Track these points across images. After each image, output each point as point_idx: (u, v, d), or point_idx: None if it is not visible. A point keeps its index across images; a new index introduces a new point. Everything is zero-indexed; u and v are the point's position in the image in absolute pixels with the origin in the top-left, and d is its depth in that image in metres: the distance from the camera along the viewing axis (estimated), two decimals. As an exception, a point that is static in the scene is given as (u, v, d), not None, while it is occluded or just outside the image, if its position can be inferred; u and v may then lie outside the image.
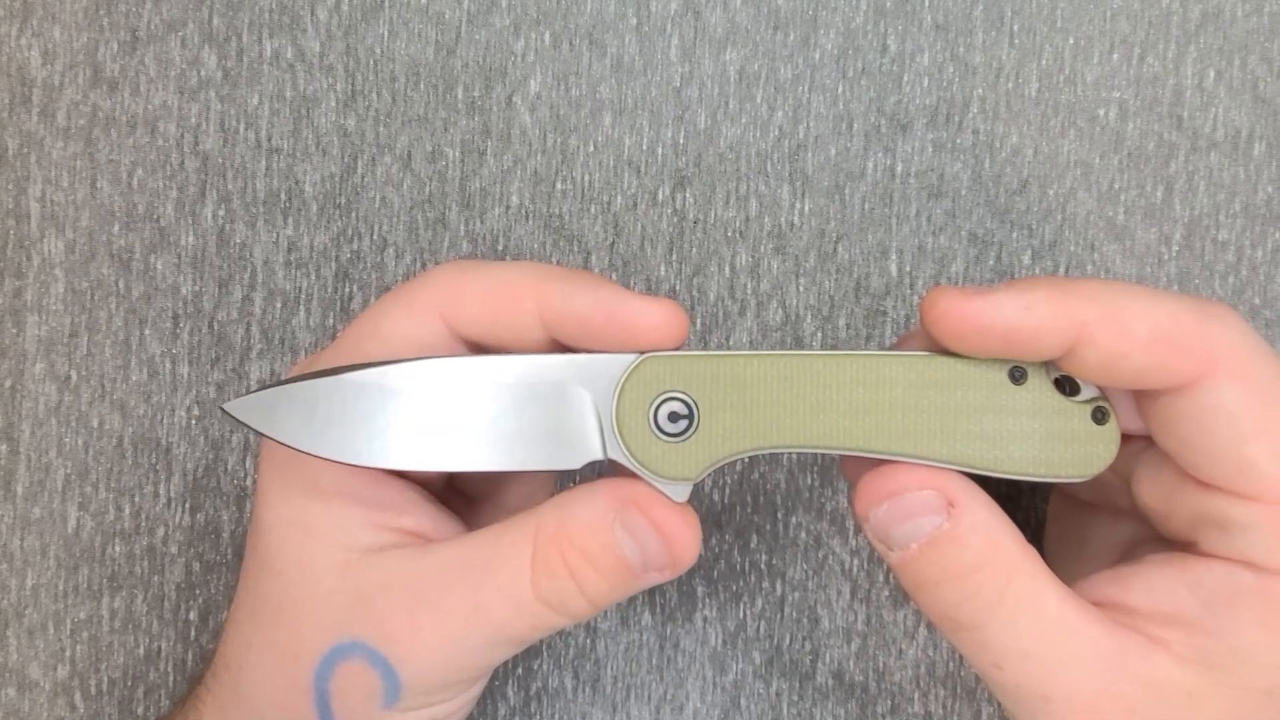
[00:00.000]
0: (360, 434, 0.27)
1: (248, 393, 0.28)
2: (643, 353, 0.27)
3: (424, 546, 0.28)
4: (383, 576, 0.28)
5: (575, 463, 0.28)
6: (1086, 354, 0.25)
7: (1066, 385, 0.27)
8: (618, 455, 0.27)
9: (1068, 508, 0.33)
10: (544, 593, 0.27)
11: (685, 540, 0.27)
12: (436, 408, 0.27)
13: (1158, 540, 0.29)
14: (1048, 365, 0.27)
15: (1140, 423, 0.28)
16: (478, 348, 0.29)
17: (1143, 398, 0.27)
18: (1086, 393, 0.27)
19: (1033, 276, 0.26)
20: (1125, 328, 0.25)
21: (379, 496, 0.29)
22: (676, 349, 0.28)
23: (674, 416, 0.27)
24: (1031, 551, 0.26)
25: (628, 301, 0.27)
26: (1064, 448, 0.27)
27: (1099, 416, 0.27)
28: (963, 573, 0.26)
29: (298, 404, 0.27)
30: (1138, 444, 0.29)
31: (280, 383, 0.27)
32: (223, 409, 0.27)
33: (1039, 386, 0.27)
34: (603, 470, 0.28)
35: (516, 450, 0.28)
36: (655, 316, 0.27)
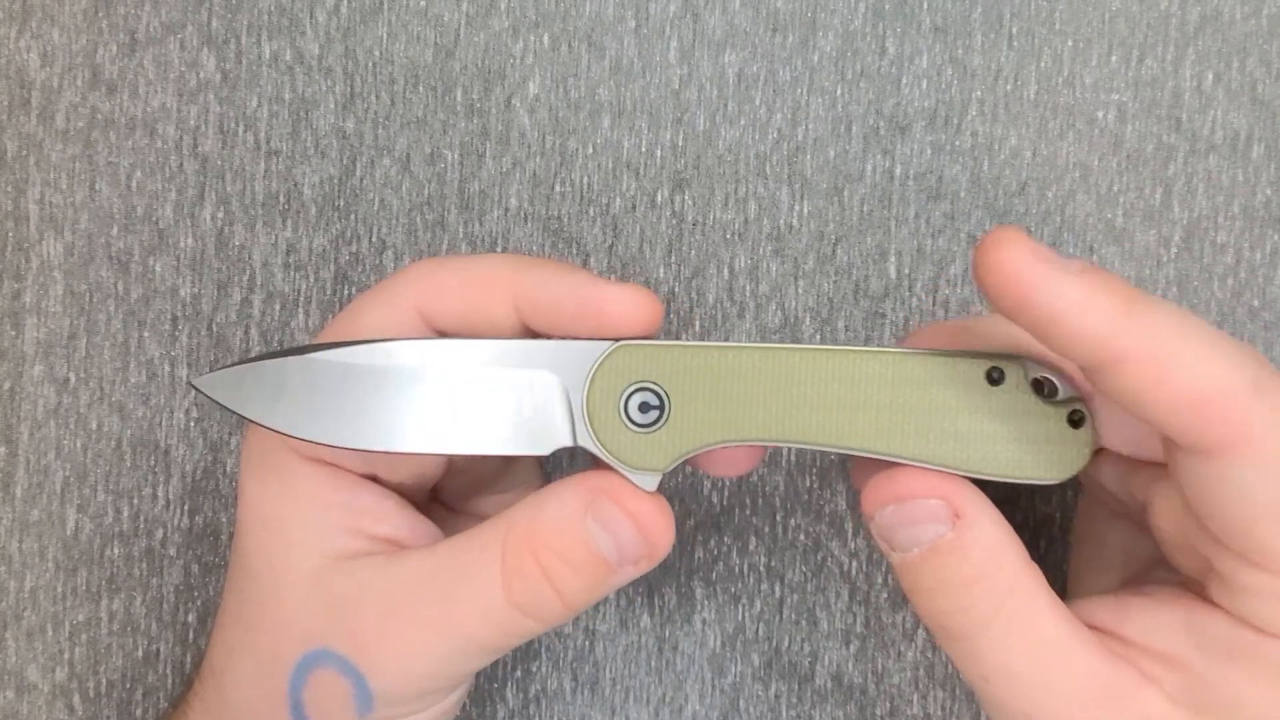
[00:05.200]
0: (327, 412, 0.27)
1: (219, 368, 0.28)
2: (617, 340, 0.27)
3: (396, 555, 0.28)
4: (354, 585, 0.28)
5: (544, 449, 0.27)
6: (1113, 381, 0.24)
7: (1045, 387, 0.27)
8: (587, 443, 0.27)
9: (1093, 510, 0.33)
10: (517, 596, 0.27)
11: (660, 528, 0.27)
12: (406, 389, 0.27)
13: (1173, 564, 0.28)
14: (1025, 365, 0.26)
15: (1158, 448, 0.27)
16: None
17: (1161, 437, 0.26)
18: (1063, 394, 0.26)
19: (1110, 273, 0.24)
20: (1164, 377, 0.23)
21: (354, 501, 0.29)
22: (650, 337, 0.27)
23: (644, 407, 0.27)
24: (1034, 570, 0.26)
25: (598, 287, 0.27)
26: (1038, 450, 0.26)
27: (1075, 420, 0.26)
28: (960, 584, 0.26)
29: (267, 381, 0.27)
30: (1154, 470, 0.28)
31: (251, 359, 0.27)
32: (191, 383, 0.27)
33: (1015, 387, 0.26)
34: (576, 461, 0.28)
35: (484, 434, 0.27)
36: (625, 302, 0.27)
